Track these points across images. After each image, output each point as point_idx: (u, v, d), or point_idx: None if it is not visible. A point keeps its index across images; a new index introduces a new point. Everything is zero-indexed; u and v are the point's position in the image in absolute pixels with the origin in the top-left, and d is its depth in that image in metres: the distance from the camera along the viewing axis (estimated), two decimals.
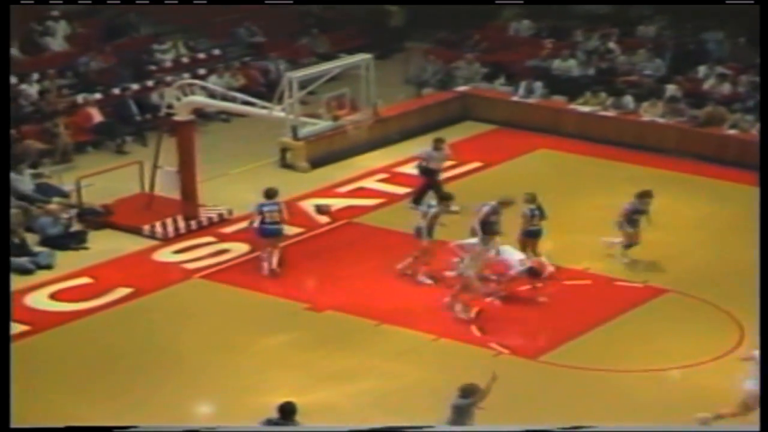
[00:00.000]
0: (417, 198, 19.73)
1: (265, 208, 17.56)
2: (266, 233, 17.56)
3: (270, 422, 12.13)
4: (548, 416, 13.37)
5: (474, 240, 16.47)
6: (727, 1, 24.14)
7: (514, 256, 16.73)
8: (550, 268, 16.93)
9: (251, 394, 14.49)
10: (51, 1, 24.10)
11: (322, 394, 14.55)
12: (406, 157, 22.13)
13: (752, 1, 22.65)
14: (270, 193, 17.74)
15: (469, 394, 12.29)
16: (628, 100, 23.82)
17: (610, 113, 23.72)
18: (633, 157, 22.39)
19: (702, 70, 24.83)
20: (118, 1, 24.97)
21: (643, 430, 12.81)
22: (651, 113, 23.43)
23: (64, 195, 19.83)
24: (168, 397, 14.41)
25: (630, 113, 23.62)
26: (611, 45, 26.25)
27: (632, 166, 22.05)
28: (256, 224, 17.59)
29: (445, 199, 17.58)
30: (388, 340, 15.80)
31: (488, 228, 16.59)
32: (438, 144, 20.22)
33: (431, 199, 18.57)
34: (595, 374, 14.90)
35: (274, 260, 17.59)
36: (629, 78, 25.03)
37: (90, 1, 24.81)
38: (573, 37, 26.97)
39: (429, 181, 19.72)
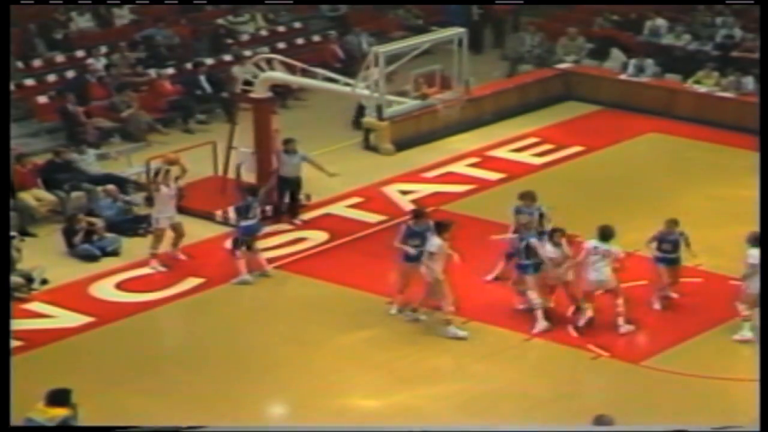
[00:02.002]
0: None
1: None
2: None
3: None
4: (651, 423, 13.34)
5: None
6: (727, 1, 23.83)
7: None
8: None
9: (326, 395, 14.68)
10: (51, 1, 24.64)
11: (404, 396, 14.66)
12: (501, 139, 22.13)
13: (752, 1, 22.33)
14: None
15: None
16: (749, 80, 23.46)
17: (730, 94, 23.40)
18: (754, 143, 22.03)
19: None
20: (119, 1, 25.37)
21: (642, 430, 12.86)
22: None
23: (121, 183, 20.05)
24: (236, 396, 14.63)
25: (751, 95, 23.26)
26: (731, 19, 25.85)
27: (753, 153, 21.67)
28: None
29: None
30: (477, 339, 15.83)
31: None
32: None
33: None
34: (702, 382, 14.80)
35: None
36: (750, 55, 24.62)
37: (90, 1, 25.26)
38: (690, 10, 26.61)
39: None
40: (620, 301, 15.83)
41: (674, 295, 16.63)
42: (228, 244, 17.90)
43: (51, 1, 24.64)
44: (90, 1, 25.30)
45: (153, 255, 17.76)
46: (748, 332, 15.46)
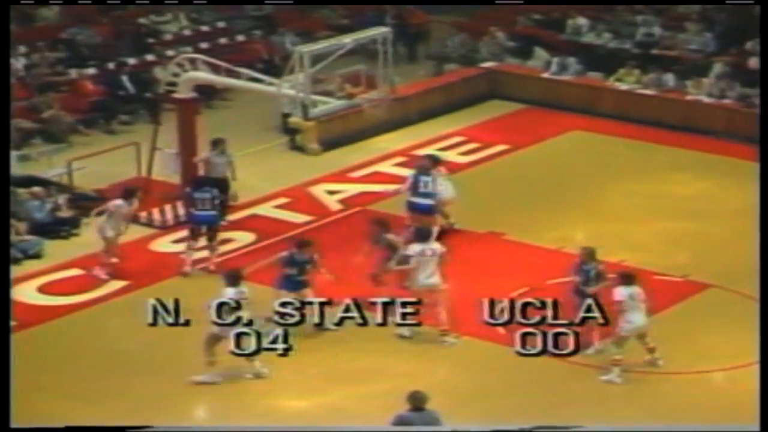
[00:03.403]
0: None
1: None
2: None
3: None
4: (581, 420, 13.39)
5: None
6: (727, 1, 24.20)
7: None
8: None
9: (253, 395, 14.56)
10: (51, 1, 24.34)
11: (334, 396, 14.61)
12: (426, 138, 22.14)
13: (752, 1, 22.70)
14: None
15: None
16: (669, 77, 23.72)
17: (651, 91, 23.64)
18: (676, 139, 22.33)
19: (750, 44, 24.69)
20: (118, 1, 25.27)
21: (635, 430, 12.99)
22: (697, 92, 23.31)
23: (43, 184, 19.77)
24: (166, 399, 14.49)
25: (672, 91, 23.54)
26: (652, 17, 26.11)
27: (675, 149, 22.00)
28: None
29: None
30: (406, 339, 15.77)
31: None
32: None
33: None
34: (632, 376, 14.86)
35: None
36: (670, 52, 24.90)
37: (90, 1, 25.09)
38: (611, 8, 26.84)
39: None
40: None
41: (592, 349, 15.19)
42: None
43: (51, 1, 24.35)
44: (90, 1, 25.07)
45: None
46: (617, 377, 14.78)
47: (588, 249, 15.60)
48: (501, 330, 15.82)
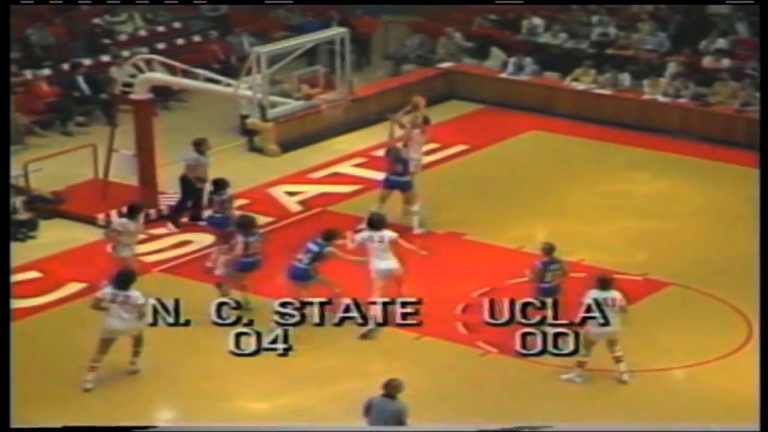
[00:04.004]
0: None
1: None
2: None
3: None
4: (541, 420, 13.47)
5: None
6: (726, 1, 24.49)
7: None
8: None
9: (217, 398, 14.53)
10: (51, 1, 24.19)
11: (296, 397, 14.59)
12: (385, 139, 22.16)
13: (752, 1, 23.01)
14: None
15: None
16: (625, 76, 23.92)
17: (607, 91, 23.82)
18: (633, 138, 22.51)
19: (704, 44, 24.93)
20: (119, 1, 25.15)
21: (606, 430, 13.07)
22: (653, 91, 23.51)
23: None
24: (125, 401, 14.44)
25: (628, 91, 23.73)
26: (606, 17, 26.30)
27: (632, 148, 22.19)
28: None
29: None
30: (367, 339, 15.78)
31: None
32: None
33: None
34: (592, 375, 14.96)
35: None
36: (625, 52, 25.11)
37: (90, 1, 24.86)
38: (566, 8, 27.01)
39: None
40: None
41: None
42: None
43: (51, 1, 24.21)
44: (90, 1, 24.83)
45: None
46: (578, 377, 14.81)
47: (547, 245, 15.71)
48: (462, 330, 15.97)
